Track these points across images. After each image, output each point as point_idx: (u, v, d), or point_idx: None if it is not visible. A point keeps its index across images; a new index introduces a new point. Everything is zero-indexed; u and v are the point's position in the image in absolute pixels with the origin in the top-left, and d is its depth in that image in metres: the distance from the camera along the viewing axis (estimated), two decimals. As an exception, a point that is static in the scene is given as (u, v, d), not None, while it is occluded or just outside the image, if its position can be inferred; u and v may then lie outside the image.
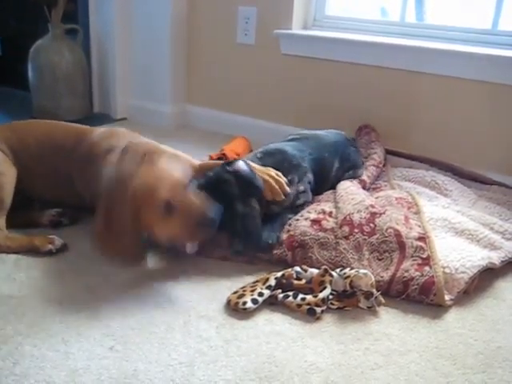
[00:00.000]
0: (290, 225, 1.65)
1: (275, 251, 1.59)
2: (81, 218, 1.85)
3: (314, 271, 1.46)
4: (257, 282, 1.46)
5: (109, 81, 3.16)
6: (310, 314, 1.38)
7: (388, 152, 2.29)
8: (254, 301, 1.38)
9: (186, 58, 2.98)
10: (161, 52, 2.94)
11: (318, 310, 1.37)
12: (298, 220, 1.66)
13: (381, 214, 1.61)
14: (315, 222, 1.63)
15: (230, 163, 1.59)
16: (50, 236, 1.67)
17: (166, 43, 2.91)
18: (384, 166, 2.21)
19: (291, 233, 1.62)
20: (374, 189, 2.02)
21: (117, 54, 3.07)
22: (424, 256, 1.49)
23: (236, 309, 1.38)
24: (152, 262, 1.62)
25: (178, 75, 2.98)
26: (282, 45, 2.61)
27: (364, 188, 1.93)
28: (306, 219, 1.65)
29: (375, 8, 2.80)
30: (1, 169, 1.72)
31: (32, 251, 1.63)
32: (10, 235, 1.67)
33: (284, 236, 1.62)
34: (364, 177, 2.01)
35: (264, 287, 1.42)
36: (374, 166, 2.11)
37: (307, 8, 2.63)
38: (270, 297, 1.41)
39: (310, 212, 1.69)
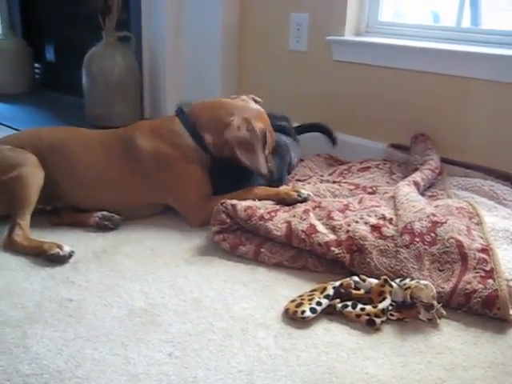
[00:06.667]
0: (349, 225, 1.63)
1: (333, 248, 1.58)
2: (125, 223, 1.89)
3: (373, 281, 1.43)
4: (314, 290, 1.44)
5: (159, 87, 3.19)
6: (370, 325, 1.35)
7: (443, 160, 2.24)
8: (313, 310, 1.36)
9: (237, 65, 2.98)
10: (212, 58, 2.95)
11: (378, 320, 1.35)
12: (357, 222, 1.64)
13: (442, 224, 1.56)
14: (375, 227, 1.60)
15: None
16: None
17: (217, 49, 2.92)
18: (440, 173, 2.16)
19: (350, 235, 1.59)
20: (430, 197, 1.98)
21: (168, 60, 3.10)
22: (487, 268, 1.44)
23: (294, 317, 1.36)
24: (208, 267, 1.63)
25: (229, 82, 2.98)
26: (334, 51, 2.59)
27: (418, 190, 1.90)
28: (365, 223, 1.62)
29: (427, 12, 2.75)
30: (29, 170, 1.79)
31: (40, 255, 1.64)
32: (29, 236, 1.71)
33: (343, 237, 1.60)
34: (418, 179, 1.98)
35: (322, 296, 1.40)
36: (429, 170, 2.08)
37: (360, 14, 2.60)
38: (328, 306, 1.39)
39: (370, 216, 1.66)
